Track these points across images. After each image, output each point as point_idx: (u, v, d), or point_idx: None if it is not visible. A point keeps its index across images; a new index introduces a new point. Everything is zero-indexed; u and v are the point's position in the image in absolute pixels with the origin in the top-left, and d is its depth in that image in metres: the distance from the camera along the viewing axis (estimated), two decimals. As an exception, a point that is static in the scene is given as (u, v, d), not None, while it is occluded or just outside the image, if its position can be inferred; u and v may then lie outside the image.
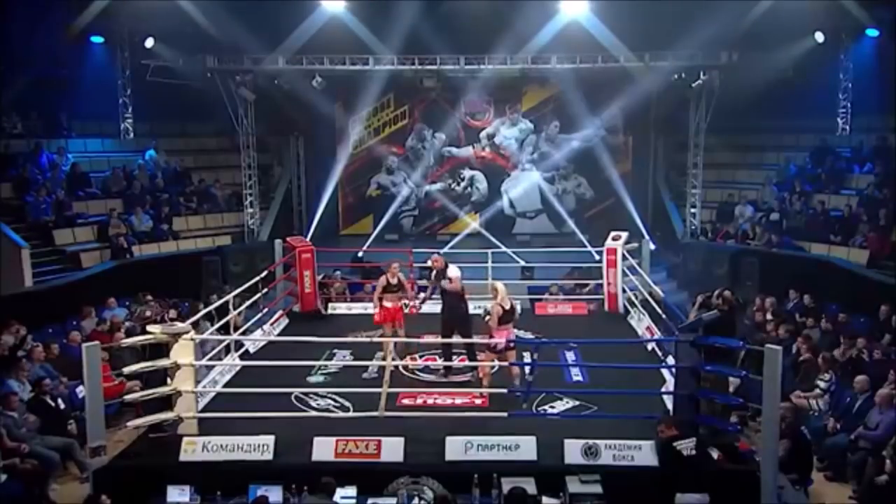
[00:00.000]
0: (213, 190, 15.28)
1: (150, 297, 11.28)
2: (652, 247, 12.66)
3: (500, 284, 7.79)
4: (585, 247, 12.80)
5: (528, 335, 9.17)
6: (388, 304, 8.55)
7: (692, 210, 14.62)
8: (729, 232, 14.20)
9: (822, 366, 8.40)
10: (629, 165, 16.20)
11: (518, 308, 8.11)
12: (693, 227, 14.62)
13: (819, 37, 13.69)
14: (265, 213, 15.52)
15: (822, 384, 8.25)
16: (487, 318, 7.56)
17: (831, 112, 14.77)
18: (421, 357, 8.81)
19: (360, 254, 13.93)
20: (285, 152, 16.52)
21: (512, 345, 7.55)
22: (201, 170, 15.81)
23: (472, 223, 16.30)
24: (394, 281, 8.60)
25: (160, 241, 13.66)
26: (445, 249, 12.88)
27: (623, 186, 15.58)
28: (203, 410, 7.09)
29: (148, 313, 10.55)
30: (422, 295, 9.07)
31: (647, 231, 14.96)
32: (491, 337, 7.55)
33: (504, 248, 13.47)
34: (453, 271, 8.24)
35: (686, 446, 6.26)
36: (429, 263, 8.79)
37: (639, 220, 15.26)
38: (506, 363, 7.56)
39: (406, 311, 8.85)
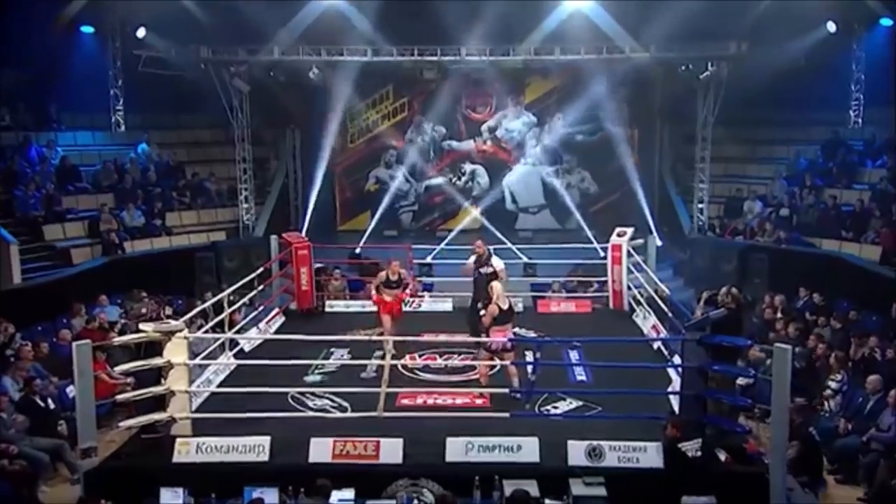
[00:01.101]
0: (206, 184, 15.07)
1: (144, 294, 11.15)
2: (658, 243, 12.48)
3: (497, 284, 7.73)
4: (590, 243, 12.68)
5: (531, 333, 9.11)
6: (387, 297, 8.71)
7: (699, 205, 14.43)
8: (737, 228, 14.02)
9: (834, 365, 8.30)
10: (635, 159, 15.95)
11: (520, 306, 8.00)
12: (700, 223, 14.44)
13: (831, 26, 13.44)
14: (260, 208, 15.31)
15: (833, 384, 8.15)
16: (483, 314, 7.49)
17: (843, 104, 14.54)
18: (420, 356, 8.76)
19: (357, 250, 13.74)
20: (281, 145, 16.30)
21: (510, 345, 7.46)
22: (195, 163, 15.61)
23: (474, 218, 16.08)
24: (394, 277, 8.80)
25: (152, 237, 13.46)
26: (443, 245, 12.74)
27: (628, 181, 15.30)
28: (197, 411, 7.11)
29: (143, 310, 10.44)
30: (424, 294, 9.10)
31: (654, 226, 14.74)
32: (488, 337, 7.48)
33: (507, 245, 13.26)
34: (498, 263, 8.03)
35: (691, 447, 6.22)
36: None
37: (645, 215, 15.03)
38: (506, 363, 7.47)
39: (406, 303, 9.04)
